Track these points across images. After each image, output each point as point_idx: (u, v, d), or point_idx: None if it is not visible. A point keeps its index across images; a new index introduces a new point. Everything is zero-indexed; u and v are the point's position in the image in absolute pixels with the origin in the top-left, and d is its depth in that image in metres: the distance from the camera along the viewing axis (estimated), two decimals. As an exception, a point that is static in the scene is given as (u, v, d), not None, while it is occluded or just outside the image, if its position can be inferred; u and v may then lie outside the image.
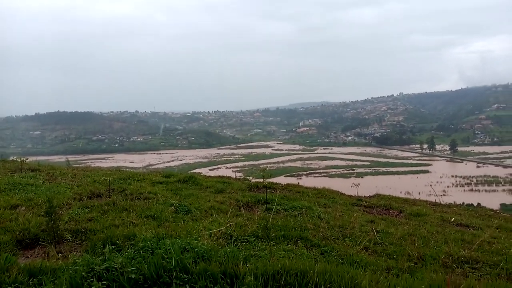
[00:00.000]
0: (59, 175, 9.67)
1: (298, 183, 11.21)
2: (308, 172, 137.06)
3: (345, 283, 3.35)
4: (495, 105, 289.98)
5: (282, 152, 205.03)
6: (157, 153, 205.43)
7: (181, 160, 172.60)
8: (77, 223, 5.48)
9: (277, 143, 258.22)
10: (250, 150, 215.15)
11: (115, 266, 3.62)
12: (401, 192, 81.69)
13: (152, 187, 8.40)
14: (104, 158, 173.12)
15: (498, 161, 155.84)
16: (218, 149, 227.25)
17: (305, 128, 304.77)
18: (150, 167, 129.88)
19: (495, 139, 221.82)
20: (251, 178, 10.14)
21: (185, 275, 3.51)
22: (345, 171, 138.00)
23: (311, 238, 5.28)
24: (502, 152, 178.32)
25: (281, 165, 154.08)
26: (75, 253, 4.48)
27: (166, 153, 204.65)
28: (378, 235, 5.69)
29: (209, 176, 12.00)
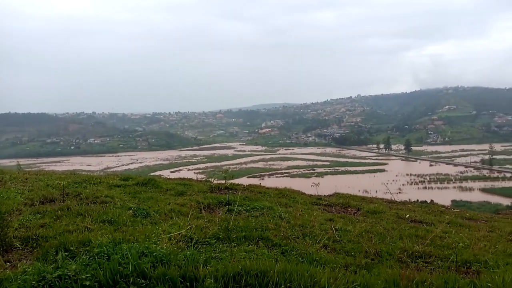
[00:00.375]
0: (9, 180, 9.14)
1: (260, 183, 11.25)
2: (270, 172, 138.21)
3: (305, 282, 3.39)
4: (446, 107, 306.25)
5: (244, 153, 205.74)
6: (115, 156, 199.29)
7: (141, 163, 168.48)
8: (28, 229, 5.20)
9: (240, 144, 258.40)
10: (212, 152, 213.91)
11: (69, 274, 3.46)
12: (359, 190, 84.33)
13: (109, 191, 8.13)
14: (59, 162, 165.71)
15: (449, 159, 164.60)
16: (180, 150, 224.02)
17: (267, 129, 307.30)
18: (108, 170, 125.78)
19: (446, 138, 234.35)
20: (213, 179, 10.06)
21: (142, 280, 3.42)
22: (306, 171, 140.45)
23: (272, 238, 5.31)
24: (452, 151, 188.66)
25: (244, 166, 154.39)
26: (25, 261, 4.24)
27: (125, 156, 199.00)
28: (337, 233, 5.81)
29: (170, 179, 11.79)
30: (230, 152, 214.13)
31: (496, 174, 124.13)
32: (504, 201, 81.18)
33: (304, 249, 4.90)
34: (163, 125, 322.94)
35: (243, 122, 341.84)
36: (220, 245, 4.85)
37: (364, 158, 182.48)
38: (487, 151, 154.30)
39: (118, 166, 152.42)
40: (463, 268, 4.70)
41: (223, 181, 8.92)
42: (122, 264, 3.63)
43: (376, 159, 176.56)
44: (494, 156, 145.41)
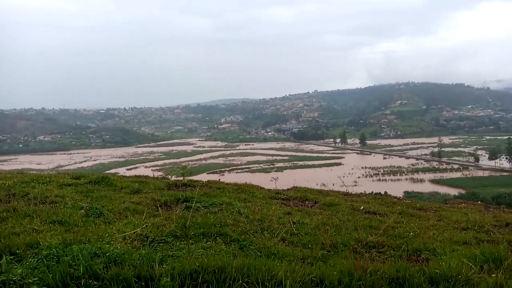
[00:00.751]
0: None
1: (219, 179, 11.19)
2: (230, 168, 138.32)
3: (262, 275, 3.41)
4: (399, 102, 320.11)
5: (204, 149, 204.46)
6: (67, 154, 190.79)
7: (95, 160, 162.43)
8: (-32, 234, 4.84)
9: (199, 140, 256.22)
10: (170, 148, 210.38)
11: (14, 279, 3.27)
12: (317, 184, 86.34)
13: (59, 190, 7.75)
14: (5, 160, 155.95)
15: (401, 152, 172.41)
16: (136, 147, 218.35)
17: (226, 125, 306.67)
18: (60, 168, 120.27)
19: (398, 132, 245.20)
20: (170, 176, 9.88)
21: (95, 282, 3.29)
22: (266, 166, 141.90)
23: (231, 233, 5.30)
24: (404, 144, 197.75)
25: (204, 162, 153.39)
26: (-36, 268, 3.94)
27: (78, 153, 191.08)
28: (294, 226, 5.90)
29: (125, 176, 11.44)
30: (189, 148, 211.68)
31: (444, 166, 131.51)
32: (452, 191, 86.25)
33: (263, 243, 4.93)
34: (118, 121, 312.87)
35: (202, 118, 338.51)
36: (177, 243, 4.77)
37: (322, 152, 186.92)
38: (436, 144, 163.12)
39: (71, 164, 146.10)
40: (413, 256, 4.93)
41: (181, 178, 8.77)
42: (73, 266, 3.48)
43: (333, 153, 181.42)
44: (442, 149, 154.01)
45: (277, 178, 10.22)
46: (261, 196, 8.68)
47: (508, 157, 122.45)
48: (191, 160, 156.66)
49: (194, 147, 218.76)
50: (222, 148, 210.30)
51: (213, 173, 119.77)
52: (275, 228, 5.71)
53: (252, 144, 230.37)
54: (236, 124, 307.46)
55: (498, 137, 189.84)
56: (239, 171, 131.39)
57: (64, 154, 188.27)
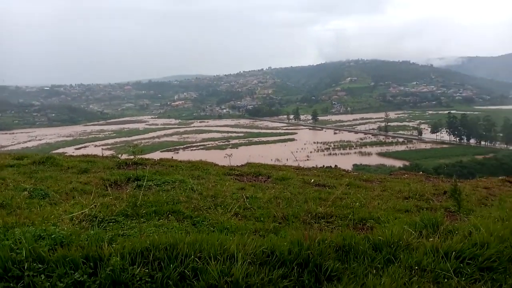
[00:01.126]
0: None
1: (172, 157, 11.01)
2: (185, 146, 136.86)
3: (215, 250, 3.43)
4: (348, 79, 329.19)
5: (157, 127, 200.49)
6: (10, 133, 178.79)
7: (40, 140, 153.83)
8: None
9: (152, 118, 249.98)
10: (121, 126, 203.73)
11: None
12: (271, 159, 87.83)
13: (-1, 172, 7.28)
14: None
15: (351, 127, 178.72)
16: (85, 125, 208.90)
17: (180, 102, 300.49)
18: (1, 149, 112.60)
19: (348, 108, 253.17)
20: (121, 155, 9.55)
21: (40, 265, 3.15)
22: (221, 143, 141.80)
23: (184, 210, 5.27)
24: (354, 120, 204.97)
25: (157, 140, 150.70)
26: None
27: (22, 133, 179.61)
28: (247, 200, 5.97)
29: (72, 156, 10.94)
30: (141, 126, 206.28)
31: (390, 140, 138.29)
32: (397, 163, 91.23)
33: (216, 218, 4.96)
34: (64, 99, 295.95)
35: (154, 95, 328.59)
36: (128, 222, 4.68)
37: (276, 128, 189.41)
38: (383, 119, 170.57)
39: (13, 145, 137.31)
40: (359, 225, 5.18)
41: (132, 157, 8.51)
42: (15, 250, 3.30)
43: (287, 129, 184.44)
44: (389, 123, 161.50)
45: (231, 154, 10.23)
46: (215, 173, 8.67)
47: (448, 130, 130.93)
48: (144, 138, 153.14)
49: (146, 125, 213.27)
50: (176, 126, 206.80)
51: (167, 151, 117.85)
52: (228, 203, 5.75)
53: (207, 121, 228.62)
54: (190, 101, 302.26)
55: (439, 112, 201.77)
56: (194, 148, 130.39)
57: (5, 134, 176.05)
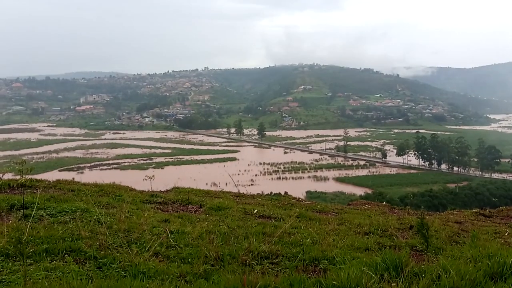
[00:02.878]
0: None
1: (73, 179, 10.56)
2: (92, 164, 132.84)
3: (125, 302, 3.31)
4: (302, 86, 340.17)
5: (55, 138, 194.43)
6: None
7: None
8: None
9: (49, 126, 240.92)
10: (6, 136, 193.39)
11: None
12: (206, 183, 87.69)
13: None
14: None
15: (304, 146, 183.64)
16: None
17: (88, 106, 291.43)
18: None
19: (301, 122, 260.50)
20: (2, 174, 8.98)
21: None
22: (142, 161, 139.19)
23: (86, 249, 5.06)
24: (308, 137, 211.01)
25: (54, 155, 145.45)
26: None
27: None
28: (172, 236, 5.86)
29: None
30: (33, 136, 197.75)
31: (350, 162, 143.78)
32: (358, 191, 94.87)
33: (129, 259, 4.81)
34: None
35: (52, 96, 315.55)
36: (10, 264, 4.44)
37: (213, 144, 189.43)
38: (342, 137, 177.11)
39: None
40: (310, 266, 5.28)
41: (18, 177, 8.03)
42: None
43: (227, 146, 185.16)
44: (348, 142, 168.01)
45: (153, 176, 10.01)
46: (130, 200, 8.44)
47: (416, 153, 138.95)
48: (36, 153, 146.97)
49: (40, 135, 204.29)
50: (81, 137, 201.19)
51: (68, 170, 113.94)
52: (146, 240, 5.61)
53: (123, 133, 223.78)
54: (101, 106, 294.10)
55: (406, 131, 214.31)
56: (105, 168, 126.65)
57: None
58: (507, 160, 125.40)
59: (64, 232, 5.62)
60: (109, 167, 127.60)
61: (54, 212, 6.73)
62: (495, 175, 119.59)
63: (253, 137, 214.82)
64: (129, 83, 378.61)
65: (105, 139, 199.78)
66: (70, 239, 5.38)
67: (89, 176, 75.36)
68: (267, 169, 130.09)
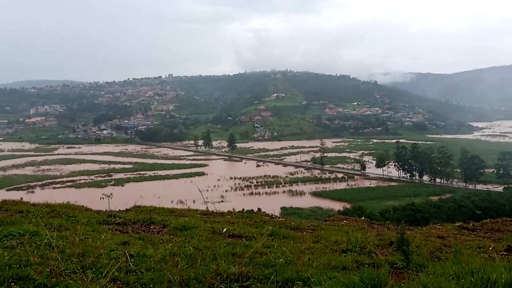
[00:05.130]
0: None
1: (22, 199, 10.33)
2: (44, 182, 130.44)
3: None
4: (275, 94, 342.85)
5: (2, 154, 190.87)
6: None
7: None
8: None
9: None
10: None
11: None
12: (172, 201, 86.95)
13: None
14: None
15: (278, 158, 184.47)
16: None
17: (39, 118, 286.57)
18: None
19: (275, 133, 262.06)
20: None
21: None
22: (99, 178, 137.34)
23: (35, 276, 4.94)
24: (282, 148, 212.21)
25: (1, 173, 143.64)
26: None
27: None
28: (132, 260, 5.78)
29: None
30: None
31: (327, 175, 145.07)
32: (336, 206, 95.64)
33: (83, 287, 4.72)
34: None
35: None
36: None
37: (179, 158, 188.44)
38: (318, 148, 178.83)
39: None
40: (284, 288, 5.28)
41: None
42: None
43: (194, 159, 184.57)
44: (325, 154, 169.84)
45: (111, 195, 9.88)
46: (85, 221, 8.30)
47: (396, 164, 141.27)
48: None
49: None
50: (32, 153, 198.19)
51: (17, 189, 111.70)
52: (103, 264, 5.51)
53: (79, 147, 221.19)
54: (53, 118, 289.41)
55: (386, 141, 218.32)
56: (58, 186, 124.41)
57: None
58: (491, 171, 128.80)
59: (10, 258, 5.47)
60: (62, 185, 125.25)
61: (-1, 236, 6.56)
62: (480, 186, 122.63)
63: (223, 150, 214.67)
64: (85, 92, 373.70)
65: (58, 154, 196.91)
66: (18, 265, 5.24)
67: (40, 196, 73.68)
68: (239, 184, 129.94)
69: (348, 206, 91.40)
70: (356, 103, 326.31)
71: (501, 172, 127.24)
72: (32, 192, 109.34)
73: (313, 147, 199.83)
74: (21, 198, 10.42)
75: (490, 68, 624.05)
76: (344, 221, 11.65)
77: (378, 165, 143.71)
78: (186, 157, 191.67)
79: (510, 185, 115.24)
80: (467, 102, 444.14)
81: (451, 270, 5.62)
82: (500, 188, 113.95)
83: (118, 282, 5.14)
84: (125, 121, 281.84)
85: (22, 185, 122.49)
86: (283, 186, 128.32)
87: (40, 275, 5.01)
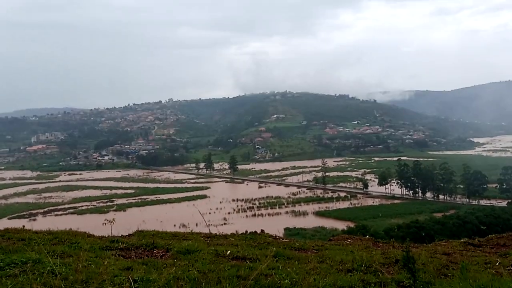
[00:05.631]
0: None
1: (24, 226, 10.30)
2: (46, 209, 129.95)
3: None
4: (275, 116, 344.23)
5: (4, 182, 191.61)
6: None
7: None
8: None
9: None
10: None
11: None
12: (174, 225, 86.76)
13: None
14: None
15: (280, 179, 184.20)
16: None
17: (40, 146, 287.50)
18: None
19: (276, 154, 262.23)
20: None
21: None
22: (101, 204, 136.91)
23: (38, 305, 4.88)
24: (283, 169, 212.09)
25: (3, 202, 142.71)
26: None
27: None
28: (135, 285, 5.73)
29: None
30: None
31: (330, 194, 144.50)
32: (339, 225, 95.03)
33: (87, 314, 4.66)
34: None
35: (0, 136, 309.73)
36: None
37: (181, 181, 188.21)
38: (319, 168, 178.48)
39: None
40: (290, 310, 5.22)
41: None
42: None
43: (196, 182, 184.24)
44: (327, 173, 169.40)
45: (113, 220, 9.85)
46: (88, 247, 8.24)
47: (399, 181, 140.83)
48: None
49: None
50: (33, 181, 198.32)
51: (18, 217, 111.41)
52: (107, 291, 5.46)
53: (80, 174, 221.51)
54: (55, 145, 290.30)
55: (387, 158, 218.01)
56: (60, 213, 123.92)
57: None
58: (494, 186, 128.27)
59: (13, 286, 5.44)
60: (64, 212, 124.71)
61: (1, 265, 6.52)
62: (483, 202, 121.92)
63: (224, 172, 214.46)
64: (85, 119, 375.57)
65: (59, 181, 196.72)
66: (21, 294, 5.20)
67: (43, 223, 73.44)
68: (241, 205, 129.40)
69: (351, 225, 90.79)
70: (356, 122, 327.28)
71: (504, 187, 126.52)
72: (34, 219, 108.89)
73: (314, 166, 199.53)
74: (23, 226, 10.39)
75: (488, 84, 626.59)
76: (349, 240, 11.58)
77: (380, 183, 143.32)
78: (187, 180, 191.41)
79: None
80: (467, 118, 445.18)
81: (458, 286, 5.57)
82: (504, 203, 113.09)
83: (122, 308, 5.10)
84: (126, 146, 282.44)
85: (24, 213, 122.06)
86: (285, 206, 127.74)
87: (43, 303, 4.97)
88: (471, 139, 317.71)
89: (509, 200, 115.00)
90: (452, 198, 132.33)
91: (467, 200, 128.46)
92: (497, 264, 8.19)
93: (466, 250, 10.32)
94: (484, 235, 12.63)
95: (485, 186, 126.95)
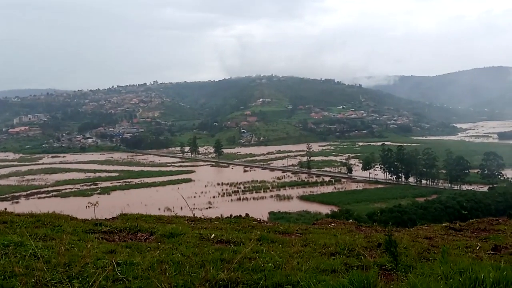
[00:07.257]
0: None
1: (6, 209, 10.19)
2: (29, 192, 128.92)
3: None
4: (260, 99, 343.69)
5: None
6: None
7: None
8: None
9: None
10: None
11: None
12: (159, 208, 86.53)
13: None
14: None
15: (265, 163, 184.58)
16: None
17: (23, 128, 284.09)
18: None
19: (261, 138, 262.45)
20: None
21: None
22: (86, 187, 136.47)
23: (20, 287, 4.85)
24: (269, 153, 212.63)
25: None
26: None
27: None
28: (119, 268, 5.72)
29: None
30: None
31: (314, 179, 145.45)
32: (324, 209, 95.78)
33: (70, 297, 4.65)
34: None
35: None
36: None
37: (165, 165, 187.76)
38: (304, 152, 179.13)
39: None
40: (273, 293, 5.26)
41: None
42: None
43: (181, 166, 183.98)
44: (312, 158, 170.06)
45: (97, 203, 9.80)
46: (71, 230, 8.20)
47: (382, 166, 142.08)
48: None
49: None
50: (16, 163, 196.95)
51: (1, 200, 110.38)
52: (90, 273, 5.45)
53: (63, 156, 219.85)
54: (37, 127, 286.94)
55: (371, 143, 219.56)
56: (43, 196, 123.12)
57: None
58: (476, 171, 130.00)
59: (-6, 269, 5.39)
60: (48, 195, 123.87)
61: (-18, 248, 6.45)
62: (465, 187, 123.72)
63: (209, 156, 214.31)
64: (69, 100, 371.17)
65: (43, 163, 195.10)
66: (2, 277, 5.18)
67: (25, 206, 72.79)
68: (226, 189, 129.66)
69: (335, 209, 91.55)
70: (341, 107, 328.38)
71: (486, 172, 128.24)
72: (17, 202, 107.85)
73: (299, 151, 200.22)
74: (5, 209, 10.27)
75: (472, 70, 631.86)
76: (332, 224, 11.67)
77: (364, 168, 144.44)
78: (172, 164, 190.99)
79: (494, 185, 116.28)
80: (450, 103, 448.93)
81: (439, 270, 5.64)
82: (485, 188, 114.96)
83: (105, 291, 5.09)
84: (110, 129, 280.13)
85: (7, 195, 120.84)
86: (270, 191, 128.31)
87: (25, 286, 4.93)
88: (454, 124, 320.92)
89: (490, 185, 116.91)
90: (434, 183, 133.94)
91: (449, 185, 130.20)
92: (477, 248, 8.32)
93: (447, 234, 10.46)
94: (465, 220, 12.81)
95: (467, 171, 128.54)
